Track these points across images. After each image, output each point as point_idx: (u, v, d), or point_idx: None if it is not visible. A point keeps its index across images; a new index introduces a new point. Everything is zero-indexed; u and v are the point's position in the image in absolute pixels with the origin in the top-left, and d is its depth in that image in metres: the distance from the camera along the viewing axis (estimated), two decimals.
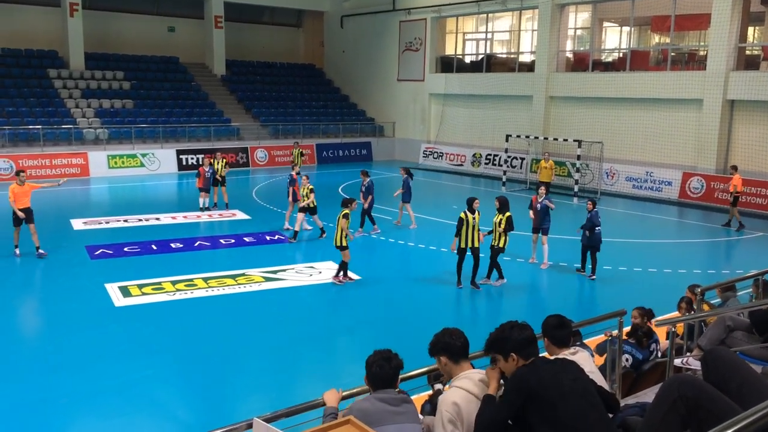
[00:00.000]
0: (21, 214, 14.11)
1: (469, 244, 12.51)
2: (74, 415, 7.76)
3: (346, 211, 12.99)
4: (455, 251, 12.69)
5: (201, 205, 19.80)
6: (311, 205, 16.45)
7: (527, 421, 3.57)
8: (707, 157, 22.65)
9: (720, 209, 20.71)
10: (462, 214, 12.51)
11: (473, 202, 12.61)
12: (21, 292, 12.13)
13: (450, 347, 3.90)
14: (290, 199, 17.46)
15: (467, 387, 3.77)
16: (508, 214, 12.81)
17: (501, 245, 12.86)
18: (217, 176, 20.25)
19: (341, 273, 13.04)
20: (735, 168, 19.40)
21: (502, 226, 12.74)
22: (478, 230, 12.61)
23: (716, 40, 22.56)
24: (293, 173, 18.06)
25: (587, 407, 3.53)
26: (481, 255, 12.74)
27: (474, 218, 12.50)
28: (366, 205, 17.14)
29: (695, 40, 26.80)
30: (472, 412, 3.66)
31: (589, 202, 13.83)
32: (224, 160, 20.71)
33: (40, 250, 14.38)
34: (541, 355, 3.80)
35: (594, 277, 13.60)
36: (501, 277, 13.15)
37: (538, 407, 3.51)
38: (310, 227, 17.38)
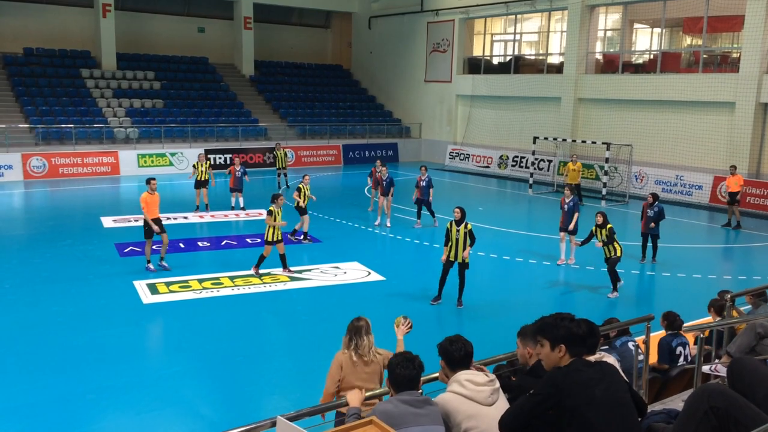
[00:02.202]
0: (156, 228, 13.12)
1: (452, 257, 11.60)
2: (100, 411, 7.87)
3: (271, 207, 13.12)
4: (444, 261, 11.75)
5: (232, 204, 20.06)
6: (302, 206, 16.29)
7: (557, 424, 3.56)
8: (739, 161, 22.20)
9: (752, 213, 20.34)
10: (448, 224, 11.72)
11: (454, 212, 11.74)
12: (51, 287, 12.34)
13: (448, 355, 4.01)
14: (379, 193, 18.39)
15: (455, 390, 3.86)
16: (609, 225, 12.66)
17: (612, 255, 12.59)
18: (199, 178, 19.41)
19: (279, 269, 13.43)
20: (734, 168, 19.70)
21: (604, 235, 12.59)
22: (464, 244, 11.55)
23: (750, 42, 22.15)
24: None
25: (619, 419, 3.46)
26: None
27: (459, 230, 11.53)
28: (422, 198, 18.00)
29: (728, 42, 26.33)
30: (460, 411, 3.78)
31: (650, 195, 15.08)
32: (208, 163, 19.83)
33: (164, 263, 13.53)
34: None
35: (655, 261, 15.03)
36: (615, 289, 12.66)
37: (568, 412, 3.48)
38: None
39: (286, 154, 25.16)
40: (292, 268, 13.59)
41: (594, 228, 12.91)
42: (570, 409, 3.46)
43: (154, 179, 13.68)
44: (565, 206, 14.78)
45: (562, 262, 14.76)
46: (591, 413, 3.42)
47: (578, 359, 3.65)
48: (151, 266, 13.41)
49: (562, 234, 14.87)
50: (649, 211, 14.80)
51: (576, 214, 14.61)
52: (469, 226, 11.66)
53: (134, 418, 7.65)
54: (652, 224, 14.72)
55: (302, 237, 16.52)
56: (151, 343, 9.93)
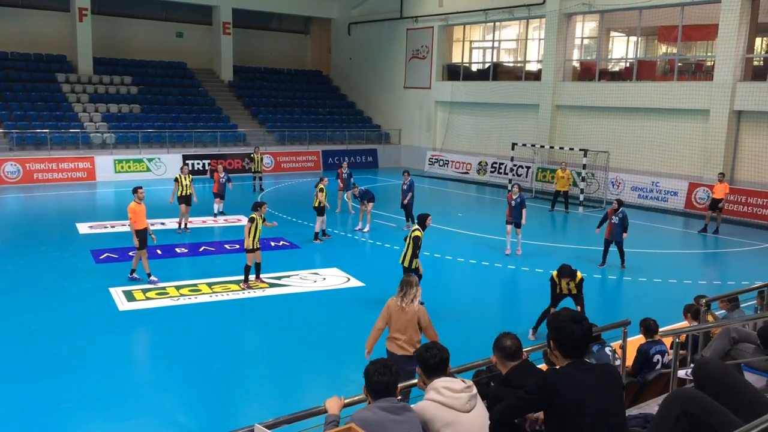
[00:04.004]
0: (137, 243, 12.66)
1: (414, 265, 11.49)
2: (76, 420, 7.75)
3: (253, 215, 12.86)
4: (411, 268, 11.38)
5: (215, 211, 19.85)
6: (321, 206, 17.03)
7: (546, 424, 3.60)
8: (714, 167, 22.55)
9: (726, 219, 20.62)
10: (418, 233, 11.51)
11: (426, 219, 11.80)
12: (25, 295, 12.15)
13: (424, 362, 4.02)
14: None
15: (432, 397, 3.85)
16: (580, 276, 10.14)
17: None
18: (183, 193, 17.56)
19: (253, 276, 13.03)
20: (723, 175, 20.17)
21: (572, 287, 10.07)
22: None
23: (723, 51, 22.52)
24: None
25: (604, 428, 3.45)
26: None
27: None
28: (405, 202, 18.50)
29: (702, 50, 26.76)
30: (438, 419, 3.76)
31: (615, 201, 15.02)
32: (190, 177, 17.97)
33: (153, 277, 12.92)
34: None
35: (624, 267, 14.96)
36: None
37: (557, 415, 3.49)
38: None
39: (262, 159, 25.28)
40: (263, 276, 13.34)
41: (556, 278, 10.04)
42: (559, 412, 3.47)
43: (141, 188, 13.12)
44: (513, 202, 15.74)
45: (509, 252, 15.89)
46: (579, 419, 3.42)
47: (576, 362, 3.60)
48: (153, 278, 12.91)
49: (508, 227, 15.95)
50: (613, 217, 14.74)
51: (524, 210, 15.72)
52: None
53: (111, 428, 7.54)
54: (625, 235, 14.72)
55: (314, 237, 17.18)
56: (127, 351, 9.81)
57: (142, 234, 12.84)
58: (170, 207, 18.48)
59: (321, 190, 17.05)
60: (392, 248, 16.72)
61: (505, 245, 16.19)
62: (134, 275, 13.08)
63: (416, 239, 11.41)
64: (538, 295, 13.25)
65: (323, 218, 17.17)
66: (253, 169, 25.08)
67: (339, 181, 21.42)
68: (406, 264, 11.45)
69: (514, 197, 15.86)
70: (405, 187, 18.56)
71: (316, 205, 17.03)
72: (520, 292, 13.58)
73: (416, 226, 11.69)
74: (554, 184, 23.59)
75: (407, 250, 11.44)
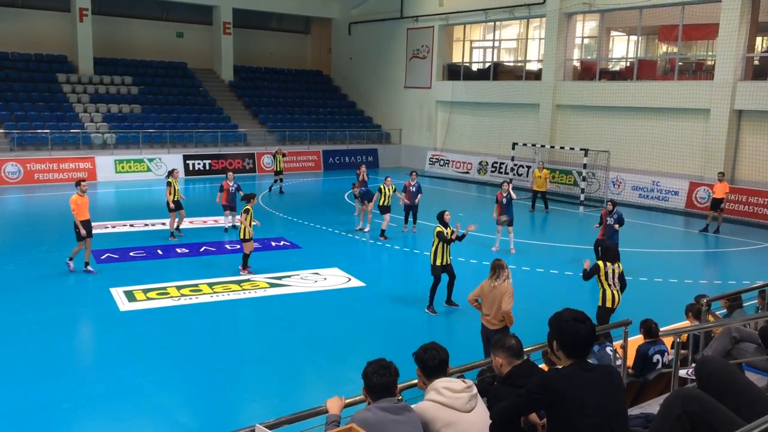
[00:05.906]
0: (83, 231, 13.24)
1: (446, 261, 11.81)
2: (77, 420, 7.76)
3: (248, 206, 13.79)
4: (439, 266, 11.69)
5: (226, 226, 18.22)
6: (385, 204, 17.70)
7: (548, 424, 3.58)
8: (714, 167, 22.52)
9: (726, 219, 20.61)
10: (440, 228, 11.73)
11: (444, 215, 11.93)
12: (26, 294, 12.15)
13: (423, 363, 4.00)
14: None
15: (432, 398, 3.84)
16: (619, 266, 9.91)
17: (609, 305, 9.92)
18: (177, 198, 16.95)
19: (243, 264, 13.92)
20: (722, 174, 20.15)
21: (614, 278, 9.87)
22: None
23: (724, 50, 22.51)
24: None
25: (605, 428, 3.43)
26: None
27: (447, 233, 11.77)
28: (415, 203, 18.28)
29: (703, 49, 26.74)
30: (439, 419, 3.74)
31: (609, 203, 14.86)
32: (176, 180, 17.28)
33: (90, 267, 13.60)
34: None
35: None
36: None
37: (558, 415, 3.48)
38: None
39: (281, 159, 25.26)
40: (264, 276, 13.66)
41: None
42: (560, 412, 3.45)
43: (84, 181, 13.86)
44: (503, 199, 16.00)
45: (497, 249, 16.13)
46: (580, 419, 3.40)
47: (579, 362, 3.57)
48: (90, 268, 13.62)
49: (499, 226, 16.19)
50: (608, 218, 14.53)
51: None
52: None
53: (111, 428, 7.54)
54: (617, 226, 14.35)
55: (380, 234, 17.55)
56: (128, 351, 9.80)
57: (86, 224, 13.40)
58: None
59: (379, 190, 17.68)
60: (392, 248, 16.71)
61: (493, 242, 16.46)
62: (72, 265, 13.64)
63: (438, 234, 11.72)
64: (538, 293, 13.26)
65: (386, 216, 17.61)
66: (275, 168, 25.04)
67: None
68: (431, 261, 11.82)
69: (504, 195, 16.08)
70: (413, 188, 18.13)
71: (380, 204, 17.67)
72: (520, 291, 13.53)
73: (439, 224, 11.91)
74: (533, 184, 23.16)
75: (433, 248, 11.80)
